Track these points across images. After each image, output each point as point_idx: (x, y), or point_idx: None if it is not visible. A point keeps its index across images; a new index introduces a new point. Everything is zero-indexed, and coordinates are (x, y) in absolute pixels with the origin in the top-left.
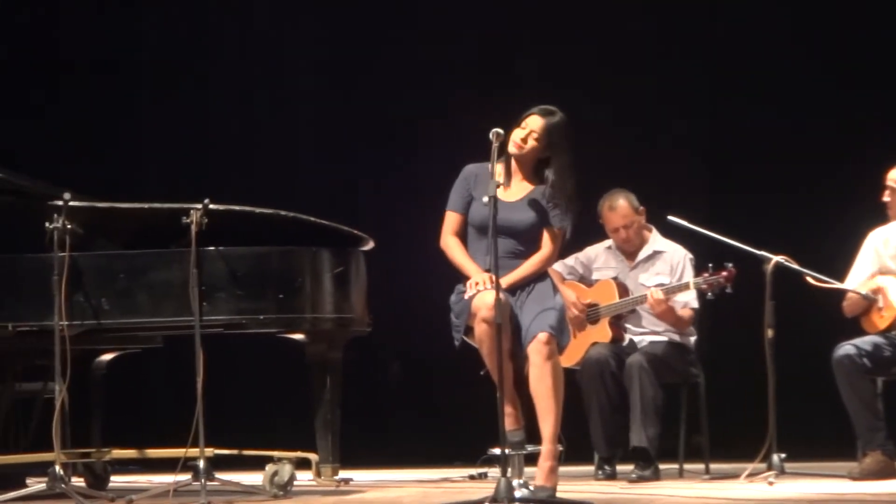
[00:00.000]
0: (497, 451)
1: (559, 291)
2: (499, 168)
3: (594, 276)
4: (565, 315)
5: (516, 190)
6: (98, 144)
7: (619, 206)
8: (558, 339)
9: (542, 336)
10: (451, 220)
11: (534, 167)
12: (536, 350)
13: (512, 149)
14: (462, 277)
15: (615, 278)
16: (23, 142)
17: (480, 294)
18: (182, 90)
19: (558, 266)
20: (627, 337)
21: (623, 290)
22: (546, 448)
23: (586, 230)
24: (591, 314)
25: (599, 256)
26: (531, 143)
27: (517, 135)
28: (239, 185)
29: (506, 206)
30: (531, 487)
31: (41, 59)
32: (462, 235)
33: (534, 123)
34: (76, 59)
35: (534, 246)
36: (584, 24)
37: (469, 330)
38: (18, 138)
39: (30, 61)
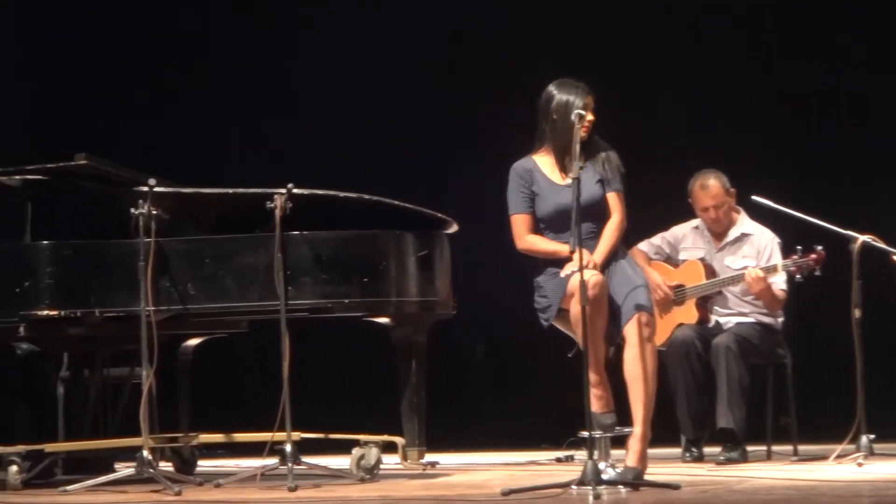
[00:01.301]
0: (585, 433)
1: (641, 269)
2: (546, 159)
3: (681, 256)
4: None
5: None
6: (181, 132)
7: (711, 186)
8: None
9: (644, 317)
10: (521, 221)
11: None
12: (636, 331)
13: (583, 134)
14: (552, 261)
15: (702, 259)
16: (108, 131)
17: (579, 274)
18: (262, 76)
19: (644, 246)
20: (713, 318)
21: (710, 271)
22: (638, 430)
23: (673, 209)
24: (677, 295)
25: (687, 237)
26: (591, 120)
27: (583, 120)
28: (320, 169)
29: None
30: (618, 469)
31: (125, 52)
32: (536, 233)
33: (588, 107)
34: (157, 50)
35: (605, 221)
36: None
37: (560, 311)
38: (104, 128)
39: (114, 54)
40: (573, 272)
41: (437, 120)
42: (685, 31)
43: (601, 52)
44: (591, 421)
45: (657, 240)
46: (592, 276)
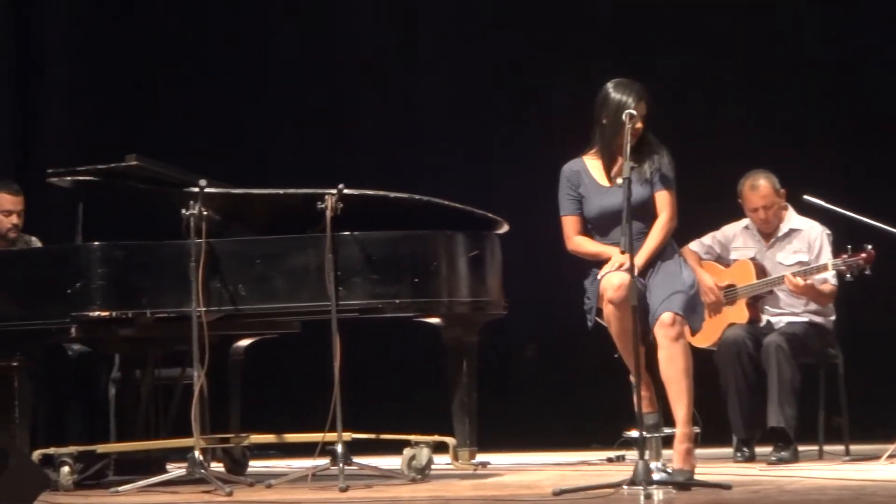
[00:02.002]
0: (631, 433)
1: (691, 269)
2: (596, 161)
3: (732, 256)
4: (698, 297)
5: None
6: (231, 132)
7: (761, 187)
8: (688, 321)
9: (667, 317)
10: (570, 223)
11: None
12: (662, 332)
13: (632, 142)
14: (597, 262)
15: (753, 258)
16: (158, 132)
17: (608, 275)
18: (311, 77)
19: (695, 246)
20: (765, 318)
21: (761, 270)
22: (681, 431)
23: (723, 209)
24: (728, 295)
25: (737, 236)
26: (640, 126)
27: (633, 119)
28: (370, 170)
29: (618, 189)
30: (669, 470)
31: (173, 52)
32: (585, 235)
33: (641, 110)
34: (209, 51)
35: (654, 221)
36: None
37: (601, 312)
38: (154, 129)
39: (162, 55)
40: (605, 273)
41: (487, 119)
42: (738, 31)
43: (654, 51)
44: (642, 421)
45: (708, 239)
46: (615, 278)
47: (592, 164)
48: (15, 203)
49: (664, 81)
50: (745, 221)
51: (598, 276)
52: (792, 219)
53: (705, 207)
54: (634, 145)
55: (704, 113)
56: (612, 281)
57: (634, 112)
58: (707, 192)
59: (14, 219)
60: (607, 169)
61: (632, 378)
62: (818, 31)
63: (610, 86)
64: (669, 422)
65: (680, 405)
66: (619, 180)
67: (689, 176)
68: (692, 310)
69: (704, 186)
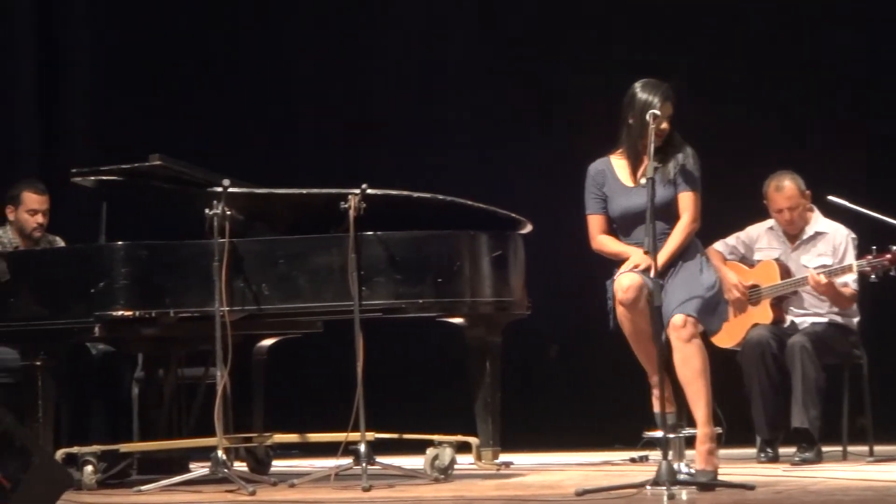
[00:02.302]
0: (651, 433)
1: (714, 270)
2: (621, 161)
3: (756, 257)
4: (718, 298)
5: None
6: (254, 131)
7: (786, 188)
8: (705, 322)
9: (677, 319)
10: (595, 222)
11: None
12: (674, 334)
13: (657, 142)
14: (621, 263)
15: (777, 259)
16: (182, 131)
17: (619, 277)
18: (335, 77)
19: (719, 246)
20: (789, 318)
21: (785, 271)
22: (702, 431)
23: (748, 210)
24: (752, 295)
25: (762, 237)
26: (665, 127)
27: (657, 120)
28: (393, 169)
29: (641, 189)
30: (692, 470)
31: (199, 51)
32: (609, 234)
33: (666, 111)
34: (233, 51)
35: (677, 222)
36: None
37: None
38: (177, 130)
39: (187, 54)
40: (622, 273)
41: (510, 119)
42: (764, 31)
43: (678, 49)
44: (664, 421)
45: (732, 240)
46: (625, 279)
47: (618, 163)
48: (40, 202)
49: (688, 80)
50: (769, 222)
51: (615, 277)
52: (818, 221)
53: (731, 207)
54: (660, 146)
55: (729, 113)
56: (623, 282)
57: (658, 112)
58: (732, 193)
59: (39, 218)
60: (633, 169)
61: (649, 378)
62: (844, 31)
63: (637, 86)
64: (692, 422)
65: (699, 406)
66: (644, 180)
67: (715, 176)
68: (710, 311)
69: (730, 187)
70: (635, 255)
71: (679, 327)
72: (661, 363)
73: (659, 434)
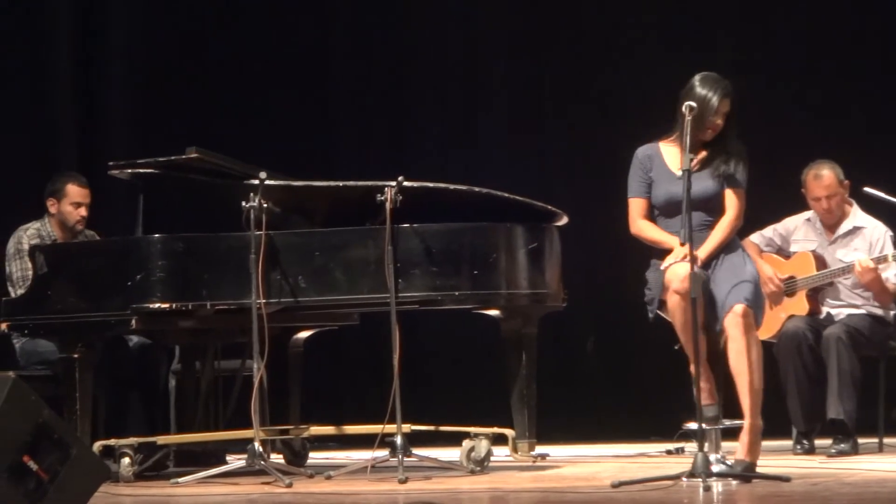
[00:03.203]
0: (692, 425)
1: (753, 263)
2: (673, 148)
3: (792, 248)
4: (760, 290)
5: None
6: (291, 124)
7: (825, 176)
8: (755, 312)
9: (739, 308)
10: (637, 205)
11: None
12: (734, 323)
13: (710, 136)
14: (657, 252)
15: (813, 251)
16: (219, 124)
17: (673, 266)
18: (371, 70)
19: (755, 238)
20: (825, 310)
21: (821, 263)
22: (748, 422)
23: (786, 200)
24: (788, 286)
25: (798, 228)
26: (719, 122)
27: (712, 122)
28: (429, 162)
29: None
30: (729, 462)
31: (236, 44)
32: (649, 219)
33: (724, 107)
34: (270, 43)
35: (719, 215)
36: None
37: (663, 304)
38: (214, 122)
39: (224, 47)
40: (670, 264)
41: (547, 111)
42: (807, 21)
43: (716, 37)
44: (701, 413)
45: (769, 231)
46: (682, 268)
47: (668, 150)
48: (83, 195)
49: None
50: (806, 214)
51: (662, 268)
52: (857, 216)
53: (769, 198)
54: (713, 139)
55: (769, 102)
56: (678, 272)
57: (694, 104)
58: (771, 184)
59: (83, 211)
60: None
61: (692, 369)
62: (888, 23)
63: (697, 79)
64: (730, 413)
65: (749, 397)
66: (695, 165)
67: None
68: (759, 304)
69: (768, 178)
70: (679, 247)
71: (740, 316)
72: (704, 354)
73: (695, 426)
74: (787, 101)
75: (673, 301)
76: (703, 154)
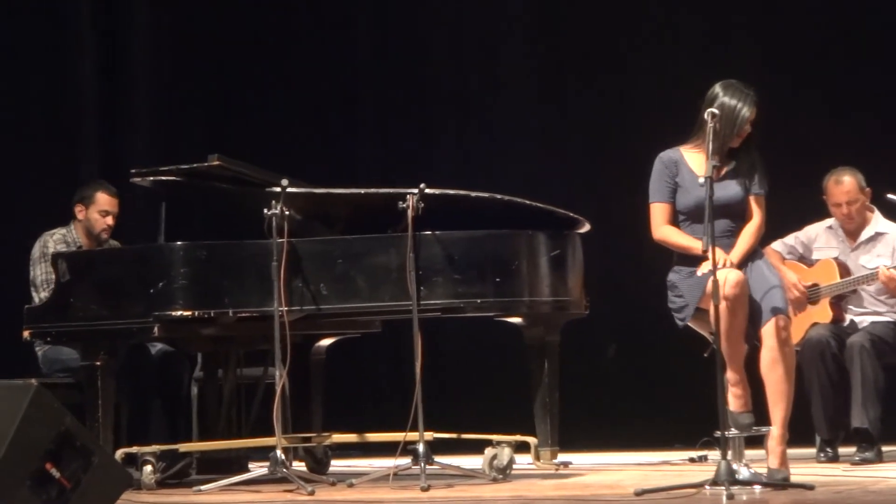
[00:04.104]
0: (721, 433)
1: (776, 269)
2: (697, 155)
3: (814, 256)
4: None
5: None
6: (311, 130)
7: (846, 182)
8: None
9: (781, 320)
10: (660, 210)
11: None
12: (774, 334)
13: (737, 143)
14: (682, 258)
15: (836, 258)
16: (242, 132)
17: (724, 272)
18: (393, 76)
19: (777, 245)
20: (848, 317)
21: (844, 270)
22: (779, 432)
23: (807, 208)
24: (811, 294)
25: (820, 236)
26: (748, 129)
27: (745, 131)
28: (451, 169)
29: (717, 184)
30: (752, 470)
31: (259, 51)
32: (674, 225)
33: (753, 115)
34: (291, 51)
35: (744, 221)
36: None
37: (697, 311)
38: (236, 129)
39: (247, 55)
40: (710, 271)
41: (568, 118)
42: (829, 25)
43: (736, 42)
44: (725, 420)
45: (790, 239)
46: (732, 274)
47: (690, 156)
48: (112, 204)
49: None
50: (828, 221)
51: (700, 273)
52: (878, 222)
53: (791, 206)
54: (739, 146)
55: (790, 111)
56: (730, 278)
57: (717, 111)
58: (792, 192)
59: (110, 220)
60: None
61: (728, 376)
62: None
63: (719, 87)
64: (758, 421)
65: (779, 407)
66: (724, 178)
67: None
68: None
69: (790, 185)
70: (719, 253)
71: (781, 328)
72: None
73: (732, 432)
74: (811, 105)
75: (722, 307)
76: (733, 164)
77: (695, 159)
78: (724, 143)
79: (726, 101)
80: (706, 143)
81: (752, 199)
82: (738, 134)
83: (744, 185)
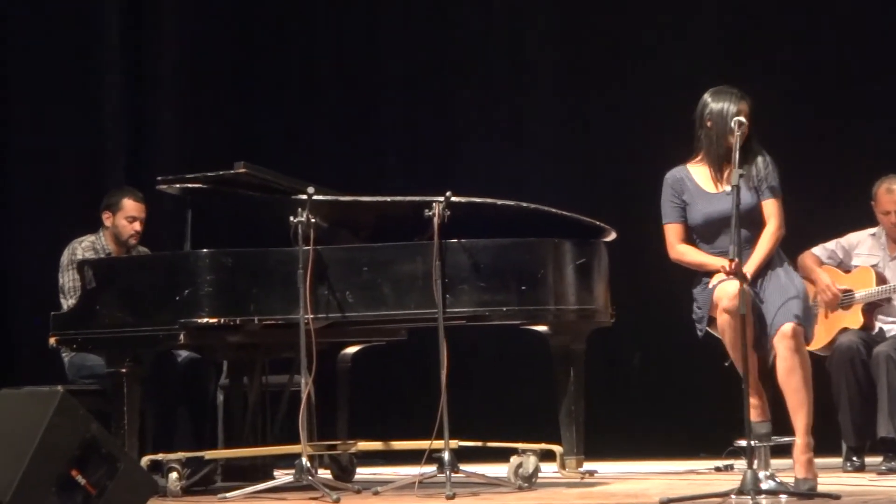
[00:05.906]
0: (742, 442)
1: (800, 278)
2: (701, 168)
3: (854, 262)
4: (808, 302)
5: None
6: (337, 138)
7: None
8: (805, 329)
9: (787, 328)
10: (673, 231)
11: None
12: (783, 342)
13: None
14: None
15: (875, 265)
16: (270, 139)
17: (722, 284)
18: (419, 85)
19: (817, 250)
20: (877, 325)
21: (881, 279)
22: (802, 441)
23: (853, 215)
24: (844, 299)
25: (862, 243)
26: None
27: (742, 127)
28: (476, 177)
29: (725, 196)
30: (778, 479)
31: (285, 60)
32: (688, 243)
33: (744, 108)
34: (316, 58)
35: (760, 229)
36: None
37: (712, 321)
38: (262, 137)
39: (273, 62)
40: (719, 282)
41: (593, 127)
42: (868, 31)
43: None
44: (750, 429)
45: (832, 244)
46: (731, 286)
47: (696, 170)
48: (139, 210)
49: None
50: (872, 229)
51: (710, 286)
52: None
53: (834, 213)
54: (741, 146)
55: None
56: (728, 290)
57: (744, 119)
58: (834, 198)
59: (137, 226)
60: (715, 175)
61: (743, 386)
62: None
63: (708, 95)
64: (781, 430)
65: (801, 415)
66: (728, 187)
67: (813, 181)
68: (809, 317)
69: (836, 191)
70: (727, 263)
71: (789, 336)
72: (755, 371)
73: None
74: (855, 115)
75: (723, 319)
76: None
77: (700, 173)
78: (723, 147)
79: (714, 106)
80: (733, 153)
81: (766, 204)
82: (731, 132)
83: (755, 191)
